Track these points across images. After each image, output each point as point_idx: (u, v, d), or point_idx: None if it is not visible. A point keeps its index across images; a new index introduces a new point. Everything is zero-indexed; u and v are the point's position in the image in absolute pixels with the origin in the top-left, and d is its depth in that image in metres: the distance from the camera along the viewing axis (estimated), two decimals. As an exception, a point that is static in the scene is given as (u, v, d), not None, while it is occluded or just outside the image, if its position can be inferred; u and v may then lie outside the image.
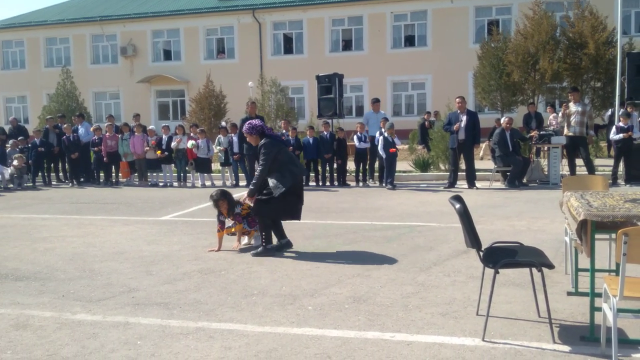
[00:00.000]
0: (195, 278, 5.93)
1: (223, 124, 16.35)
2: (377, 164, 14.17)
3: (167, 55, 34.14)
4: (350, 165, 14.53)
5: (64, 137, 15.54)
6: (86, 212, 10.87)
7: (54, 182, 16.26)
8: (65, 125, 15.94)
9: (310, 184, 14.35)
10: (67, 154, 15.56)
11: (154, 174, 15.54)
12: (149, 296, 5.36)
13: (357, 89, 30.67)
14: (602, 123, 19.57)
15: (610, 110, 18.33)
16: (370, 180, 14.23)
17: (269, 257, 6.76)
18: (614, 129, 13.28)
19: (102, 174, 15.82)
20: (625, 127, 12.83)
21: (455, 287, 5.38)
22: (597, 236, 4.13)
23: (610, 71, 19.10)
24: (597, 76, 20.47)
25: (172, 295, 5.35)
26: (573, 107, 12.87)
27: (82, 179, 15.81)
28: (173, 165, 15.33)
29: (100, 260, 6.80)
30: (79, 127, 16.26)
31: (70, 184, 15.68)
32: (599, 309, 3.90)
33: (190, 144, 14.66)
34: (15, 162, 15.20)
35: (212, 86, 26.48)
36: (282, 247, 7.06)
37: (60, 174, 16.49)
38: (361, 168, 14.12)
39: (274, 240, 7.16)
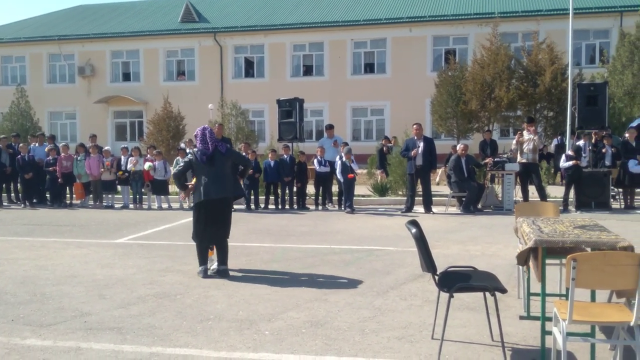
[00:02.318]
0: (150, 302, 5.83)
1: (182, 145, 16.22)
2: (336, 188, 14.28)
3: (126, 76, 33.82)
4: (310, 188, 14.58)
5: (19, 156, 15.16)
6: (38, 234, 10.59)
7: (5, 203, 15.77)
8: (21, 145, 15.56)
9: (270, 206, 14.33)
10: (20, 174, 15.17)
11: (109, 196, 15.27)
12: (101, 321, 5.25)
13: (318, 114, 30.90)
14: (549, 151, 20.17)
15: (556, 139, 18.95)
16: (330, 204, 14.29)
17: (225, 281, 6.71)
18: (563, 156, 13.71)
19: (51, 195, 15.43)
20: (574, 155, 13.26)
21: (412, 311, 5.43)
22: (547, 261, 4.25)
23: (562, 101, 19.80)
24: (550, 106, 21.21)
25: (125, 320, 5.25)
26: (526, 135, 13.25)
27: (34, 200, 15.42)
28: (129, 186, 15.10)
29: (52, 284, 6.63)
30: (36, 145, 15.97)
31: (23, 205, 15.27)
32: (550, 333, 3.99)
33: (147, 165, 14.48)
34: (-36, 182, 14.73)
35: (171, 107, 26.32)
36: (219, 273, 6.96)
37: (12, 194, 16.03)
38: (321, 192, 14.17)
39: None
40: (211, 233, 6.98)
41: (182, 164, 7.29)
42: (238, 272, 7.18)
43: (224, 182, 6.92)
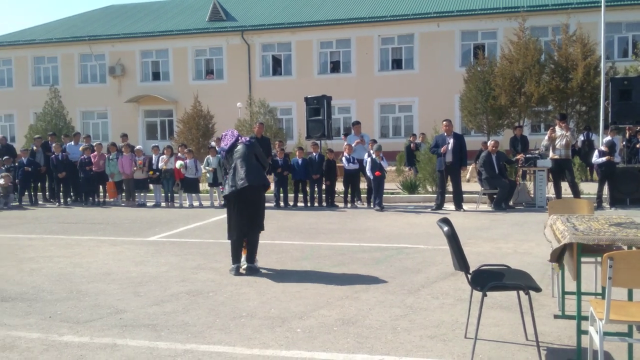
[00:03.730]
0: (184, 300, 5.91)
1: (212, 144, 16.34)
2: (364, 185, 14.26)
3: (156, 76, 34.19)
4: (339, 186, 14.58)
5: (52, 156, 15.47)
6: (73, 232, 10.80)
7: (40, 202, 16.13)
8: (54, 144, 15.87)
9: (299, 204, 14.37)
10: (55, 173, 15.49)
11: (142, 194, 15.48)
12: (136, 318, 5.33)
13: (345, 111, 30.87)
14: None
15: (582, 135, 18.60)
16: (359, 201, 14.27)
17: (257, 278, 6.76)
18: (596, 152, 13.47)
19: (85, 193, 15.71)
20: (607, 151, 13.00)
21: (444, 310, 5.40)
22: (582, 259, 4.19)
23: (595, 95, 19.42)
24: (582, 100, 20.81)
25: (160, 317, 5.33)
26: (559, 131, 13.05)
27: (68, 199, 15.72)
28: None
29: (87, 281, 6.76)
30: (72, 144, 16.33)
31: (57, 204, 15.57)
32: (586, 332, 3.94)
33: (178, 164, 14.65)
34: (1, 181, 15.08)
35: (200, 106, 26.56)
36: (246, 271, 7.02)
37: (47, 193, 16.36)
38: (349, 189, 14.16)
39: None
40: (243, 225, 7.01)
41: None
42: (269, 269, 7.24)
43: (249, 172, 6.98)
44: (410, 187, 15.47)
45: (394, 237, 9.47)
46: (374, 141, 14.73)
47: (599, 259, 4.70)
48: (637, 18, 27.61)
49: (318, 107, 15.41)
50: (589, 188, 14.57)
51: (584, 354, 4.03)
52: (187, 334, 4.85)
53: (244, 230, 7.04)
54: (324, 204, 14.28)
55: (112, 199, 15.69)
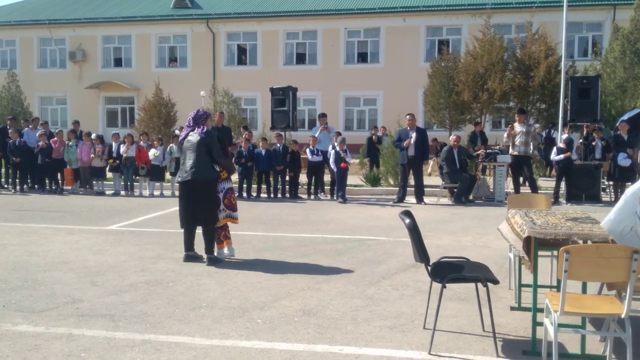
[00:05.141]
0: (142, 289, 5.83)
1: (176, 132, 16.10)
2: (328, 178, 14.28)
3: (118, 62, 33.58)
4: (303, 177, 14.57)
5: (10, 141, 15.02)
6: (29, 219, 10.53)
7: (-5, 188, 15.70)
8: (10, 130, 15.41)
9: (262, 195, 14.31)
10: (11, 159, 15.06)
11: (100, 182, 15.19)
12: (93, 307, 5.24)
13: (310, 103, 30.84)
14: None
15: (543, 132, 19.01)
16: (322, 193, 14.28)
17: (218, 269, 6.71)
18: (554, 149, 13.77)
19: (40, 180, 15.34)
20: (565, 148, 13.32)
21: (403, 301, 5.45)
22: (539, 253, 4.28)
23: (555, 93, 19.83)
24: (543, 98, 21.24)
25: (117, 307, 5.25)
26: (518, 127, 13.26)
27: (25, 186, 15.31)
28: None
29: (43, 270, 6.60)
30: (29, 129, 15.87)
31: (13, 191, 15.17)
32: (541, 324, 4.03)
33: (151, 152, 14.47)
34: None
35: (162, 94, 26.15)
36: (210, 261, 7.01)
37: (3, 179, 15.92)
38: (313, 181, 14.16)
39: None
40: (190, 215, 7.01)
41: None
42: (230, 260, 7.19)
43: (194, 166, 6.92)
44: (373, 180, 15.55)
45: (356, 229, 9.51)
46: (338, 133, 14.75)
47: (554, 252, 4.80)
48: (597, 19, 28.28)
49: (283, 98, 15.35)
50: (546, 184, 14.88)
51: (538, 345, 4.12)
52: (146, 324, 4.79)
53: (192, 221, 7.05)
54: (287, 195, 14.25)
55: (69, 187, 15.36)
